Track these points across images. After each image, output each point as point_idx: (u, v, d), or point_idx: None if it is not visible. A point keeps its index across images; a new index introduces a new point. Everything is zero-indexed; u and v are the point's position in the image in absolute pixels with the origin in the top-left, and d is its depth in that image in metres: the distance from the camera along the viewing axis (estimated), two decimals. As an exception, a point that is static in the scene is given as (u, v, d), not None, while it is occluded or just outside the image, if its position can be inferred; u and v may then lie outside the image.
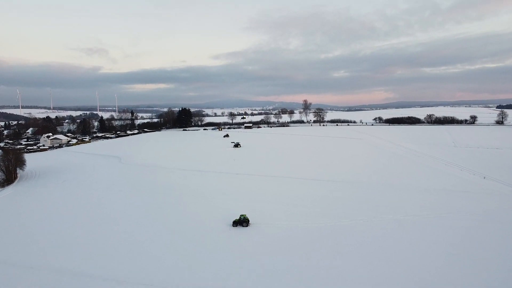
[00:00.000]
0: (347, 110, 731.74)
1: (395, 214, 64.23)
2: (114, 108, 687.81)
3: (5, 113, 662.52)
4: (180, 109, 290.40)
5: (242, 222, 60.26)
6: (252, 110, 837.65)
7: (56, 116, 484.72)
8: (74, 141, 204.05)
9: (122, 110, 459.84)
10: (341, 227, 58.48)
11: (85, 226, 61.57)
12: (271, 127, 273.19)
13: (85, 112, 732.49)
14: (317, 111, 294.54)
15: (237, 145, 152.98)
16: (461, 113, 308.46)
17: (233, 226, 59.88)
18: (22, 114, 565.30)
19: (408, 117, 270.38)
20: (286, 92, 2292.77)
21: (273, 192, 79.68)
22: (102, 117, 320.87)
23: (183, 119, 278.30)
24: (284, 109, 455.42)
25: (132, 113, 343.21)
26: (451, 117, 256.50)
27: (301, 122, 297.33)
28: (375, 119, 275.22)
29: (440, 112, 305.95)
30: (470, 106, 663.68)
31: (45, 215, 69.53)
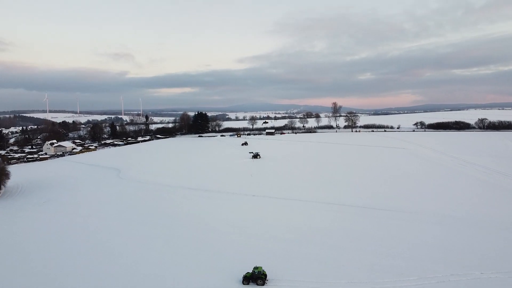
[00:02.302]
0: (373, 114, 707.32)
1: (485, 269, 44.55)
2: (139, 112, 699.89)
3: (33, 117, 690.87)
4: (196, 113, 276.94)
5: (256, 278, 42.96)
6: (275, 113, 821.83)
7: (73, 121, 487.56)
8: (79, 149, 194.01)
9: (138, 114, 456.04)
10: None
11: (50, 270, 46.06)
12: (296, 133, 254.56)
13: (110, 116, 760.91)
14: (348, 115, 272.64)
15: (256, 155, 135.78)
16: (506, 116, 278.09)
17: (243, 283, 42.89)
18: (49, 119, 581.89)
19: (456, 121, 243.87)
20: (310, 95, 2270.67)
21: (300, 226, 61.50)
22: (113, 122, 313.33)
23: (199, 124, 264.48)
24: (310, 112, 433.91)
25: (146, 117, 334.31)
26: (507, 122, 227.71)
27: (330, 127, 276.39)
28: (416, 124, 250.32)
29: (472, 114, 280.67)
30: (503, 109, 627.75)
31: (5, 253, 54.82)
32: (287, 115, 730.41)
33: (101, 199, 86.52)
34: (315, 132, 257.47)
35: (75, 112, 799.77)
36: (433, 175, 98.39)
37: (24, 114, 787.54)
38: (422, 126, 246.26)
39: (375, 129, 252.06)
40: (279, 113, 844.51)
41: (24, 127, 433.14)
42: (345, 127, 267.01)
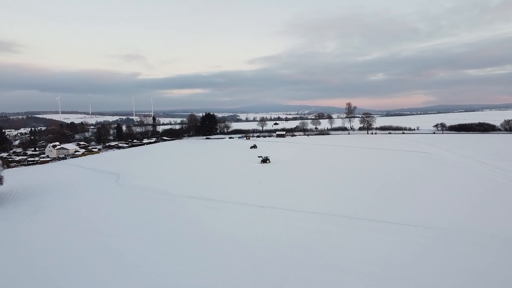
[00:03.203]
0: (386, 115, 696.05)
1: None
2: (150, 113, 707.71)
3: (45, 118, 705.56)
4: (204, 114, 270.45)
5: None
6: (286, 114, 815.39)
7: (81, 122, 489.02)
8: (81, 151, 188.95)
9: (148, 115, 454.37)
10: None
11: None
12: (308, 135, 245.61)
13: (121, 117, 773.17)
14: (363, 116, 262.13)
15: (265, 160, 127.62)
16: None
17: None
18: (61, 120, 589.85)
19: (479, 123, 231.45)
20: (322, 96, 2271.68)
21: (314, 245, 52.81)
22: (118, 124, 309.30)
23: (206, 125, 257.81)
24: (321, 113, 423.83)
25: (153, 118, 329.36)
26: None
27: (344, 129, 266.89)
28: (436, 125, 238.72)
29: (490, 115, 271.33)
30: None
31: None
32: (298, 116, 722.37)
33: (94, 209, 79.64)
34: (328, 134, 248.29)
35: (87, 113, 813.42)
36: (463, 184, 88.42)
37: (37, 115, 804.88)
38: (443, 127, 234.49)
39: (392, 131, 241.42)
40: (290, 114, 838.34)
41: (33, 128, 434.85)
42: (359, 128, 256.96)
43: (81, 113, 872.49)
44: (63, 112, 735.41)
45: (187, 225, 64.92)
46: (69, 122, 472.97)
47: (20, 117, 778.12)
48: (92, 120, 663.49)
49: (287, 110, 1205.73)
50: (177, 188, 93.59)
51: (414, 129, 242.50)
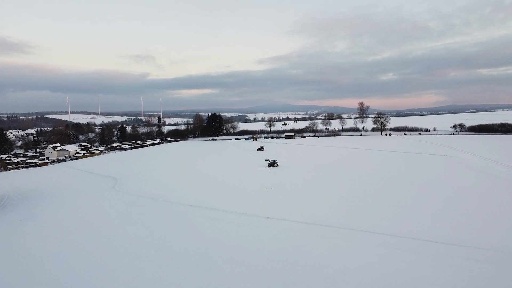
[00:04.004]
0: (396, 115, 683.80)
1: None
2: (159, 113, 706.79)
3: (54, 118, 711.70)
4: (210, 114, 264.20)
5: None
6: (295, 115, 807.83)
7: (87, 122, 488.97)
8: (82, 153, 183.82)
9: (156, 115, 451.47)
10: None
11: None
12: (318, 136, 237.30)
13: (130, 117, 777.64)
14: (377, 116, 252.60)
15: (272, 163, 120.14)
16: None
17: None
18: (70, 120, 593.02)
19: (501, 123, 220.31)
20: (331, 96, 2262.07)
21: (331, 266, 45.22)
22: (122, 124, 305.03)
23: (212, 126, 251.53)
24: (331, 113, 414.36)
25: (159, 119, 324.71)
26: None
27: (356, 130, 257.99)
28: (454, 126, 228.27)
29: (505, 116, 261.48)
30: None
31: None
32: (307, 116, 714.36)
33: (85, 218, 73.24)
34: (339, 135, 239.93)
35: (97, 113, 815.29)
36: (495, 193, 79.70)
37: (47, 116, 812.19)
38: (462, 128, 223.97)
39: (407, 132, 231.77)
40: (299, 114, 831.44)
41: (39, 129, 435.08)
42: (372, 129, 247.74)
43: (90, 113, 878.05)
44: (72, 113, 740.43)
45: (184, 239, 57.89)
46: (80, 122, 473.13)
47: (29, 117, 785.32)
48: (100, 120, 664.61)
49: (296, 110, 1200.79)
50: (177, 195, 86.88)
51: (430, 130, 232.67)
